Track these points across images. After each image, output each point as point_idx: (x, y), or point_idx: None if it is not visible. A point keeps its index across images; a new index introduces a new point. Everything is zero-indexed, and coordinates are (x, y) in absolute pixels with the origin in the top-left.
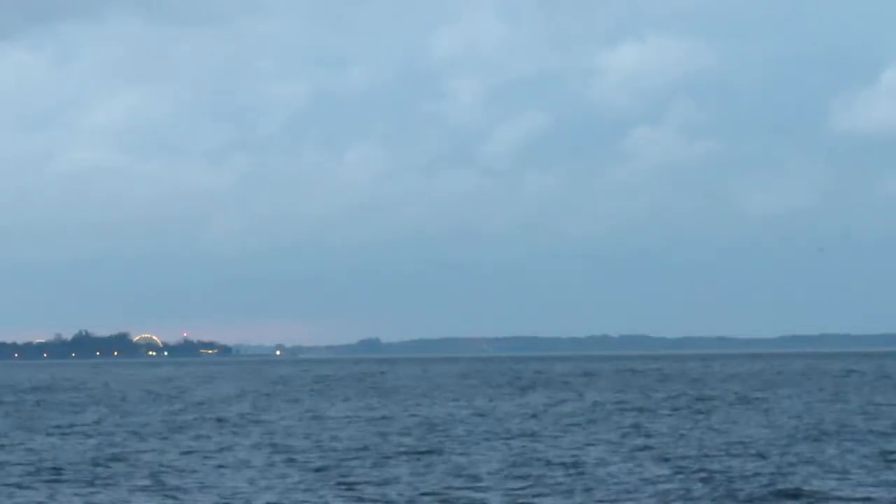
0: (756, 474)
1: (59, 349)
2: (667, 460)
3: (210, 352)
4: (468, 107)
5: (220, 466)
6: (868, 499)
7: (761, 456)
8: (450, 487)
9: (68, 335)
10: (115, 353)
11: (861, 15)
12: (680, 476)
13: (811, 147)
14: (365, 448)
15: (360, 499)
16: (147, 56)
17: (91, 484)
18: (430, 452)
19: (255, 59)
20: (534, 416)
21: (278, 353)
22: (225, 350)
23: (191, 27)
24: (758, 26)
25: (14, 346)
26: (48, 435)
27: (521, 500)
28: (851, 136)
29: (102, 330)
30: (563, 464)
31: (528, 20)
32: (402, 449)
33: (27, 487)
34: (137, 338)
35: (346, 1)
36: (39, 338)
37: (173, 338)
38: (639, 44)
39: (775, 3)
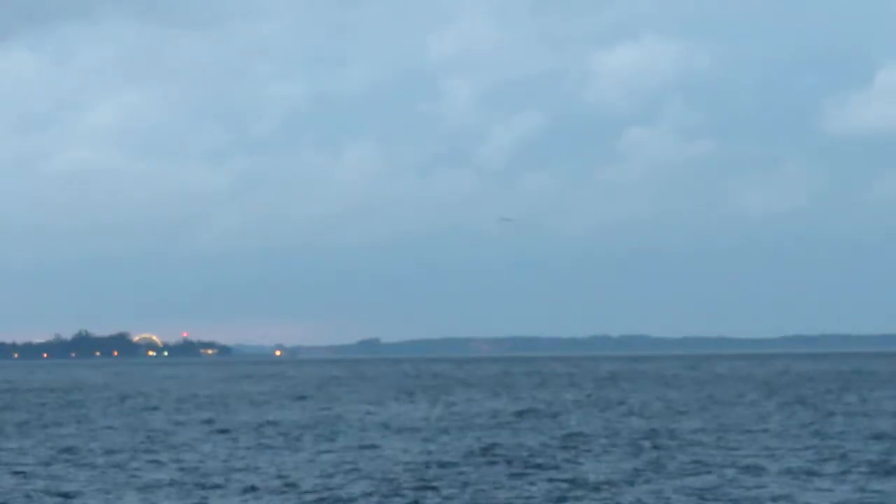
0: None
1: (58, 349)
2: None
3: (210, 352)
4: (465, 107)
5: None
6: None
7: None
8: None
9: (68, 335)
10: (115, 353)
11: (855, 17)
12: None
13: (807, 147)
14: None
15: None
16: (144, 57)
17: None
18: None
19: (252, 61)
20: None
21: (278, 353)
22: (224, 350)
23: (187, 29)
24: (753, 28)
25: (14, 346)
26: None
27: None
28: (847, 136)
29: (102, 330)
30: None
31: (524, 21)
32: None
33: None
34: (137, 338)
35: (342, 2)
36: (39, 338)
37: (173, 338)
38: (635, 45)
39: (770, 5)
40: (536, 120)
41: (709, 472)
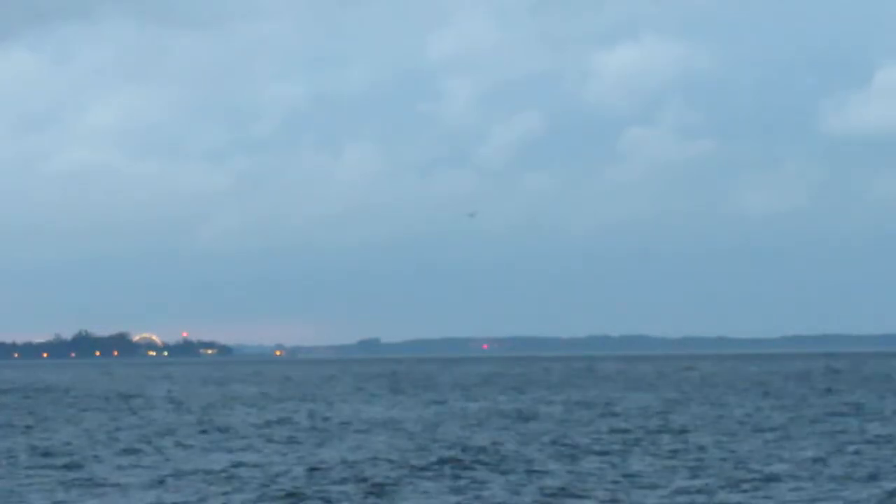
0: None
1: (58, 349)
2: None
3: (210, 352)
4: (465, 107)
5: None
6: None
7: None
8: None
9: (68, 335)
10: (115, 353)
11: (854, 17)
12: None
13: (807, 147)
14: None
15: None
16: (144, 57)
17: None
18: None
19: (251, 61)
20: None
21: (278, 353)
22: (225, 350)
23: (187, 29)
24: (753, 28)
25: (14, 346)
26: None
27: None
28: (847, 136)
29: (102, 330)
30: None
31: (524, 21)
32: None
33: None
34: (137, 338)
35: (341, 3)
36: (39, 338)
37: (173, 338)
38: (635, 45)
39: (770, 5)
40: (536, 120)
41: (707, 474)
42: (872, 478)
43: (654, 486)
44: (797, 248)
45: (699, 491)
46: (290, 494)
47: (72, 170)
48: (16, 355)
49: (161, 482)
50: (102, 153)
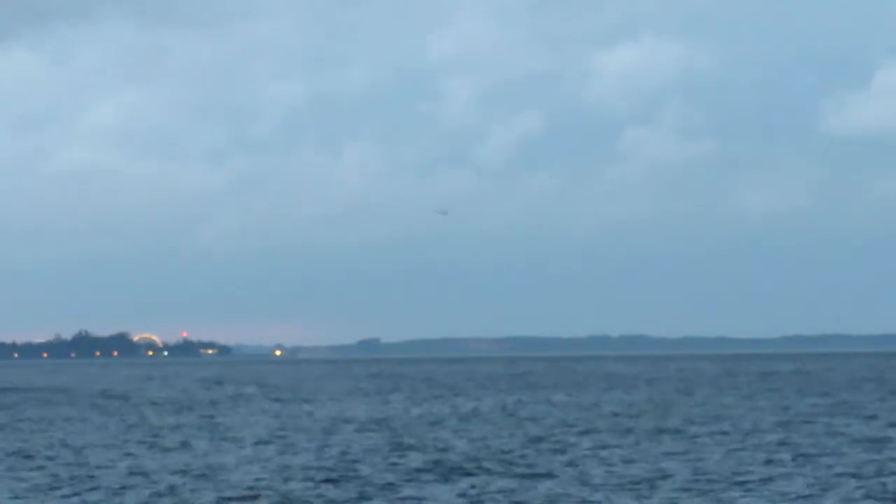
0: None
1: (58, 349)
2: None
3: (209, 352)
4: (465, 107)
5: None
6: None
7: None
8: None
9: (68, 335)
10: (115, 353)
11: (854, 17)
12: None
13: (807, 147)
14: None
15: None
16: (144, 57)
17: None
18: None
19: (251, 61)
20: None
21: (278, 353)
22: (224, 350)
23: (187, 29)
24: (753, 28)
25: (14, 346)
26: None
27: None
28: (846, 136)
29: (102, 330)
30: None
31: (524, 21)
32: None
33: None
34: (137, 338)
35: (341, 3)
36: (39, 338)
37: (173, 338)
38: (635, 45)
39: (770, 5)
40: (536, 120)
41: (705, 474)
42: (869, 477)
43: (653, 487)
44: (797, 248)
45: (698, 491)
46: (283, 494)
47: (72, 170)
48: (16, 355)
49: (157, 482)
50: (102, 153)
